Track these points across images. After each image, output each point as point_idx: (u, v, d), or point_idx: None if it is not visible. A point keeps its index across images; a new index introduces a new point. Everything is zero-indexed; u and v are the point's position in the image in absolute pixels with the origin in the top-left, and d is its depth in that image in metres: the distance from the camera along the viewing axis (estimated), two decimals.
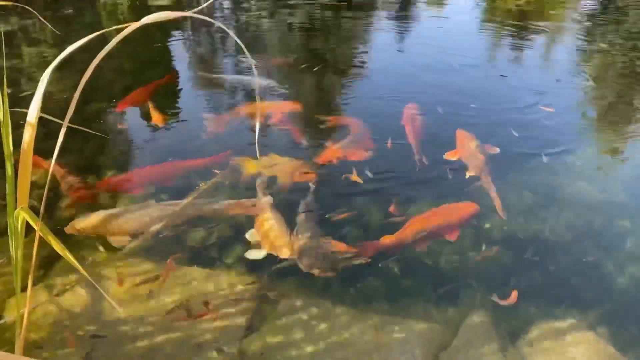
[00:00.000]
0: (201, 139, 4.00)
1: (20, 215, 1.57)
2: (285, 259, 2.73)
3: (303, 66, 5.27)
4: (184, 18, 7.13)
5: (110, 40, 1.53)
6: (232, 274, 2.69)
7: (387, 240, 2.89)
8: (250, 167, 3.52)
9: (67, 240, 2.83)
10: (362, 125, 4.08)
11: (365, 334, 2.39)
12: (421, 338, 2.38)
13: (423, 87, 5.07)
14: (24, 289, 1.99)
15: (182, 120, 4.37)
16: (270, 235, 2.82)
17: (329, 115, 4.34)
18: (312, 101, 4.67)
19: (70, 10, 7.21)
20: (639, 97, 4.94)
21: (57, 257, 2.61)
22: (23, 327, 1.78)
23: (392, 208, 3.12)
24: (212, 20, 1.87)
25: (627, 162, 3.94)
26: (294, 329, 2.40)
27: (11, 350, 1.99)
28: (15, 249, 1.67)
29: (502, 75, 5.14)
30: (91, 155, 3.73)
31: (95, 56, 1.52)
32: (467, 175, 3.55)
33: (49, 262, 2.71)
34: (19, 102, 4.00)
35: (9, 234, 1.66)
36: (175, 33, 6.76)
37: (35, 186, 3.10)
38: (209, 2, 7.85)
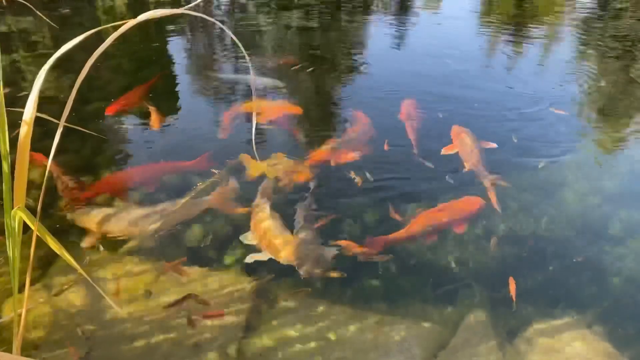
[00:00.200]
0: (198, 139, 3.99)
1: (17, 215, 1.56)
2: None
3: (294, 68, 5.23)
4: (183, 17, 7.12)
5: (108, 39, 1.52)
6: (230, 274, 2.69)
7: (394, 235, 2.90)
8: (253, 167, 3.50)
9: (65, 239, 2.82)
10: (360, 126, 4.06)
11: (364, 333, 2.39)
12: (420, 337, 2.38)
13: (423, 86, 5.06)
14: (21, 288, 1.99)
15: (179, 120, 4.36)
16: (269, 238, 2.81)
17: (331, 115, 4.34)
18: (308, 102, 4.63)
19: (67, 10, 7.19)
20: None
21: (55, 256, 2.61)
22: (21, 327, 1.77)
23: (392, 213, 3.10)
24: (209, 18, 1.87)
25: None
26: (292, 328, 2.40)
27: (9, 350, 1.99)
28: (13, 248, 1.66)
29: (509, 87, 5.08)
30: (88, 155, 3.73)
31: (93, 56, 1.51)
32: (465, 169, 3.57)
33: (47, 262, 2.70)
34: (17, 102, 4.00)
35: (6, 234, 1.66)
36: (174, 32, 6.75)
37: (34, 186, 3.10)
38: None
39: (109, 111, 4.20)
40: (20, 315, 1.78)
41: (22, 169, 1.57)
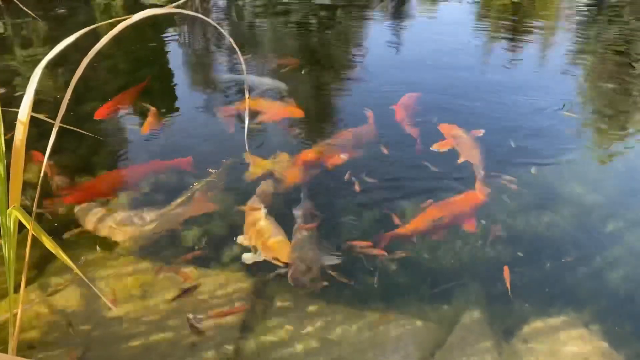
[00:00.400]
0: (196, 139, 3.99)
1: (13, 214, 1.56)
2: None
3: (283, 70, 5.22)
4: (181, 18, 7.11)
5: (103, 38, 1.51)
6: (227, 273, 2.69)
7: (402, 230, 2.92)
8: (258, 165, 3.50)
9: (61, 240, 2.82)
10: (357, 128, 4.03)
11: (361, 332, 2.39)
12: (416, 336, 2.39)
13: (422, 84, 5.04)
14: (17, 288, 1.98)
15: (177, 120, 4.35)
16: (262, 240, 2.80)
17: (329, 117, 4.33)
18: (304, 103, 4.61)
19: (63, 10, 7.17)
20: None
21: (51, 256, 2.60)
22: (16, 327, 1.77)
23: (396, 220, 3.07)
24: (204, 18, 1.87)
25: None
26: (289, 328, 2.40)
27: (5, 350, 1.98)
28: (8, 248, 1.66)
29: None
30: (84, 155, 3.72)
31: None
32: (460, 160, 3.62)
33: (43, 262, 2.69)
34: (13, 102, 3.98)
35: (1, 233, 1.65)
36: (171, 32, 6.73)
37: (33, 186, 3.09)
38: None
39: (98, 115, 4.07)
40: (15, 316, 1.77)
41: (17, 169, 1.57)
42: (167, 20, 6.97)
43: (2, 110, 1.66)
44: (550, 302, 2.60)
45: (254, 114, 4.21)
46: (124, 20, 1.54)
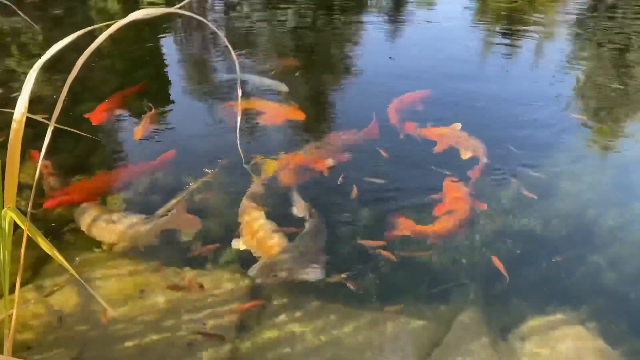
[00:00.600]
0: (193, 138, 3.98)
1: (8, 215, 1.56)
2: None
3: (272, 72, 5.21)
4: (177, 18, 7.10)
5: (98, 38, 1.51)
6: (224, 273, 2.69)
7: (420, 229, 2.94)
8: (268, 165, 3.52)
9: (57, 240, 2.82)
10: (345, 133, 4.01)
11: (358, 331, 2.39)
12: (413, 335, 2.39)
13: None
14: (12, 289, 1.98)
15: (174, 120, 4.35)
16: (259, 241, 2.80)
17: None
18: (302, 103, 4.60)
19: (59, 11, 7.16)
20: None
21: (47, 257, 2.59)
22: (12, 328, 1.76)
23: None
24: (201, 18, 1.87)
25: None
26: (286, 328, 2.40)
27: (0, 351, 1.98)
28: (3, 249, 1.65)
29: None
30: (81, 156, 3.71)
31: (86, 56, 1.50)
32: (464, 157, 3.67)
33: (38, 263, 2.69)
34: (9, 103, 3.97)
35: None
36: (167, 33, 6.73)
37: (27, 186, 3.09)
38: None
39: (95, 121, 3.99)
40: (11, 316, 1.77)
41: (12, 169, 1.56)
42: (164, 21, 6.96)
43: None
44: (547, 300, 2.61)
45: (253, 115, 4.22)
46: (117, 21, 1.54)
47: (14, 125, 1.54)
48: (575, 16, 7.78)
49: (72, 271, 1.67)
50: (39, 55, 1.54)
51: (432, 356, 2.31)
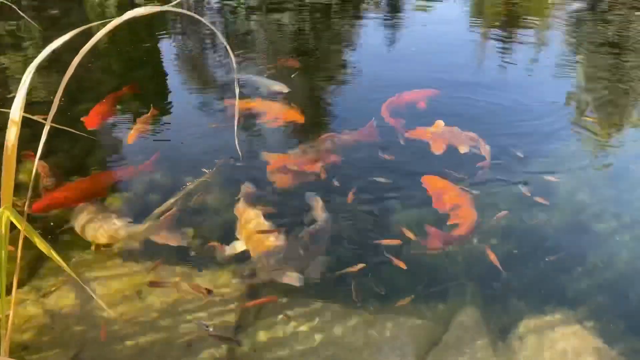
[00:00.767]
0: (190, 139, 3.97)
1: (4, 215, 1.55)
2: None
3: (270, 72, 5.19)
4: (175, 18, 7.09)
5: (93, 37, 1.50)
6: (221, 274, 2.68)
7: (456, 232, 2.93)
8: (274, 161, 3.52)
9: (55, 241, 2.81)
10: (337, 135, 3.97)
11: (356, 331, 2.39)
12: (412, 334, 2.39)
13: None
14: (9, 290, 1.97)
15: (171, 120, 4.34)
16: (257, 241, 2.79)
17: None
18: (300, 104, 4.58)
19: (56, 11, 7.14)
20: None
21: (45, 257, 2.59)
22: (8, 329, 1.75)
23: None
24: (198, 17, 1.86)
25: None
26: (283, 327, 2.39)
27: None
28: None
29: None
30: (79, 156, 3.71)
31: (83, 56, 1.50)
32: (463, 151, 3.69)
33: (36, 263, 2.68)
34: (6, 103, 3.95)
35: None
36: (165, 33, 6.71)
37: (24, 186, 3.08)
38: None
39: (90, 126, 3.88)
40: (7, 317, 1.76)
41: (9, 169, 1.55)
42: (161, 21, 6.95)
43: None
44: (545, 300, 2.61)
45: (252, 115, 4.22)
46: (113, 20, 1.53)
47: (10, 125, 1.53)
48: (573, 18, 7.79)
49: (70, 271, 1.67)
50: (35, 55, 1.54)
51: (430, 355, 2.31)
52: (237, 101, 1.77)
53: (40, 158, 1.55)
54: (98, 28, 1.54)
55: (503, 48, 6.33)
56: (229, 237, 2.89)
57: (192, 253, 2.81)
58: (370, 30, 7.07)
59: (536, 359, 2.32)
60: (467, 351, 2.32)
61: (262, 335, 2.36)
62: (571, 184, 3.46)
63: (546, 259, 2.84)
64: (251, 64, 5.54)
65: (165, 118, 4.33)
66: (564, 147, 3.98)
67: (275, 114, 4.23)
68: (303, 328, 2.39)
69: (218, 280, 2.64)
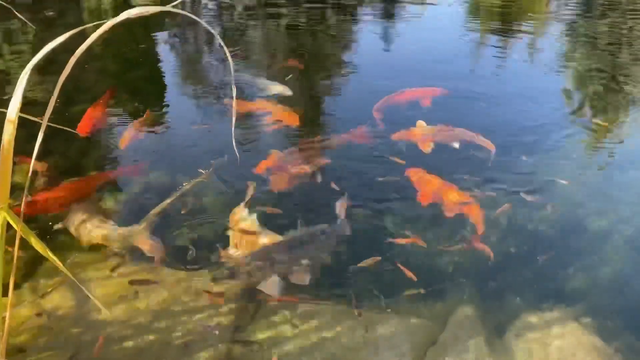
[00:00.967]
0: (188, 139, 3.97)
1: (1, 216, 1.55)
2: None
3: (267, 73, 5.18)
4: (172, 19, 7.08)
5: (89, 38, 1.50)
6: (218, 274, 2.68)
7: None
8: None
9: (51, 241, 2.80)
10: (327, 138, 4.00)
11: (354, 330, 2.39)
12: (409, 333, 2.39)
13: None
14: (5, 292, 1.96)
15: (168, 120, 4.33)
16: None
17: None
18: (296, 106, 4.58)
19: (51, 12, 7.12)
20: None
21: (41, 258, 2.58)
22: (5, 331, 1.75)
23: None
24: (194, 17, 1.86)
25: None
26: (281, 327, 2.39)
27: None
28: None
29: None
30: (74, 158, 3.70)
31: (80, 57, 1.50)
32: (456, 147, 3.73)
33: (32, 264, 2.67)
34: (2, 104, 3.94)
35: None
36: (161, 33, 6.71)
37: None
38: None
39: (82, 132, 3.81)
40: (4, 319, 1.75)
41: (5, 169, 1.55)
42: (158, 22, 6.94)
43: None
44: (542, 297, 2.62)
45: (250, 115, 4.21)
46: (108, 21, 1.53)
47: (7, 125, 1.53)
48: (569, 15, 7.82)
49: (67, 272, 1.66)
50: (32, 56, 1.54)
51: (427, 354, 2.32)
52: (234, 102, 1.77)
53: (36, 160, 1.55)
54: (94, 29, 1.54)
55: (501, 46, 6.36)
56: (224, 236, 2.90)
57: (191, 253, 2.80)
58: (366, 28, 7.09)
59: (533, 357, 2.33)
60: (464, 349, 2.33)
61: (260, 335, 2.36)
62: (572, 183, 3.48)
63: (539, 258, 2.85)
64: (250, 65, 5.54)
65: (161, 119, 4.32)
66: (564, 148, 3.98)
67: (273, 115, 4.24)
68: (301, 328, 2.39)
69: (215, 279, 2.64)
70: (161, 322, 2.39)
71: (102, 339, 2.29)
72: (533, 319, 2.51)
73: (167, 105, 4.69)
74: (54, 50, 1.52)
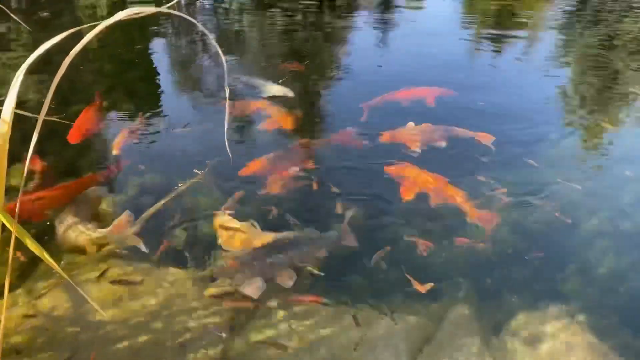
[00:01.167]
0: (186, 139, 3.97)
1: None
2: None
3: (264, 73, 5.18)
4: (168, 20, 7.08)
5: (84, 39, 1.50)
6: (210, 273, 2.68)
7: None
8: None
9: (47, 243, 2.80)
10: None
11: (350, 329, 2.40)
12: (405, 332, 2.40)
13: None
14: (0, 293, 1.96)
15: (165, 120, 4.33)
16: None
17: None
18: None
19: (46, 13, 7.10)
20: None
21: (37, 260, 2.58)
22: (0, 333, 1.74)
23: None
24: (190, 18, 1.86)
25: None
26: (277, 327, 2.40)
27: None
28: None
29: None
30: (71, 160, 3.69)
31: (75, 58, 1.50)
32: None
33: (28, 266, 2.67)
34: None
35: None
36: (158, 34, 6.70)
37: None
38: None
39: (73, 140, 3.75)
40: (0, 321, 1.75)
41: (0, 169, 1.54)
42: (154, 23, 6.94)
43: None
44: (538, 296, 2.63)
45: (246, 116, 4.21)
46: (103, 22, 1.53)
47: (1, 125, 1.53)
48: (564, 16, 7.85)
49: (63, 273, 1.66)
50: (26, 57, 1.53)
51: (423, 353, 2.32)
52: (227, 102, 1.77)
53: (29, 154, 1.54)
54: (89, 30, 1.54)
55: (497, 47, 6.39)
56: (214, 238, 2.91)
57: (187, 254, 2.80)
58: (362, 31, 7.10)
59: (529, 355, 2.34)
60: (460, 347, 2.33)
61: (256, 336, 2.36)
62: (570, 183, 3.48)
63: (535, 256, 2.86)
64: (242, 65, 5.54)
65: (156, 120, 4.31)
66: (562, 147, 3.99)
67: (269, 116, 4.24)
68: (296, 328, 2.40)
69: (209, 280, 2.64)
70: (157, 322, 2.39)
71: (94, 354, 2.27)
72: (529, 317, 2.52)
73: (162, 105, 4.69)
74: (48, 50, 1.52)
